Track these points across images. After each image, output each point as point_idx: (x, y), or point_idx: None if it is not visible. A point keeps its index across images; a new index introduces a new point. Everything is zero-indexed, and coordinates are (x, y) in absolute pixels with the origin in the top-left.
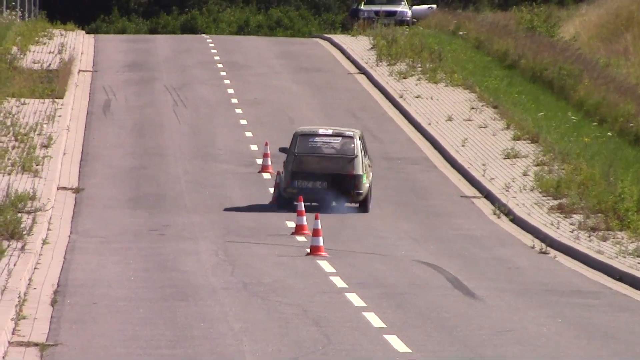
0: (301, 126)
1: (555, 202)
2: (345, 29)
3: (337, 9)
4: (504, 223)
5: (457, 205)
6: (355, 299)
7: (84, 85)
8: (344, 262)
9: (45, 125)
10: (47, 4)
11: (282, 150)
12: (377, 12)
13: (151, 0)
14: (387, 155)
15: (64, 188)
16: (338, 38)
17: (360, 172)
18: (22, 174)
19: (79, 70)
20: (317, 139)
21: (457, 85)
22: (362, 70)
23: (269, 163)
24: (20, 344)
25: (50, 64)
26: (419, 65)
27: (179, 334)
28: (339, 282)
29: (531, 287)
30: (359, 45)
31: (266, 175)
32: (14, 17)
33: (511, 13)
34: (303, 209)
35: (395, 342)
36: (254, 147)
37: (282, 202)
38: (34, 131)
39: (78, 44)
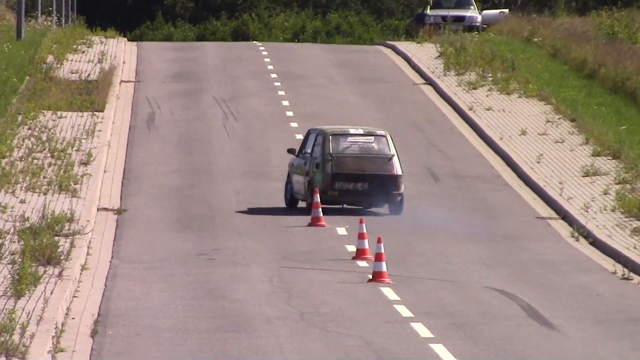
0: (316, 126)
1: (639, 224)
2: (410, 35)
3: (401, 14)
4: (583, 246)
5: (532, 227)
6: (421, 330)
7: (126, 97)
8: (409, 289)
9: (84, 141)
10: (86, 9)
11: (290, 151)
12: (444, 18)
13: (199, 5)
14: (456, 172)
15: (105, 209)
16: (402, 45)
17: (400, 172)
18: (59, 193)
19: (121, 81)
20: (350, 138)
21: (532, 96)
22: (428, 81)
23: None
24: None
25: (89, 74)
26: (490, 74)
27: None
28: (403, 311)
29: (613, 316)
30: (424, 53)
31: None
32: (49, 23)
33: (590, 18)
34: (364, 231)
35: None
36: None
37: (293, 203)
38: (72, 147)
39: (119, 52)
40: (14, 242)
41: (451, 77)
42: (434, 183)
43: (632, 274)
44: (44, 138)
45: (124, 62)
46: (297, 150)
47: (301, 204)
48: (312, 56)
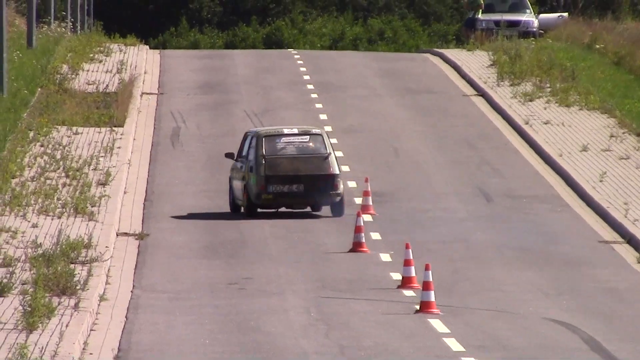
0: (252, 128)
1: None
2: (460, 42)
3: (450, 19)
4: None
5: (595, 252)
6: None
7: (147, 111)
8: (460, 320)
9: (101, 159)
10: (104, 13)
11: (228, 155)
12: (497, 22)
13: (227, 9)
14: (511, 192)
15: (125, 234)
16: (451, 53)
17: (337, 171)
18: (75, 217)
19: (142, 93)
20: (284, 139)
21: (594, 108)
22: (480, 92)
23: (370, 203)
24: None
25: (107, 86)
26: (548, 85)
27: None
28: (454, 344)
29: None
30: (476, 61)
31: (367, 217)
32: (63, 29)
33: None
34: (411, 257)
35: None
36: (351, 184)
37: (253, 212)
38: (89, 166)
39: (140, 61)
40: (26, 270)
41: (505, 87)
42: (486, 204)
43: None
44: (58, 156)
45: (145, 72)
46: (235, 155)
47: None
48: (352, 65)
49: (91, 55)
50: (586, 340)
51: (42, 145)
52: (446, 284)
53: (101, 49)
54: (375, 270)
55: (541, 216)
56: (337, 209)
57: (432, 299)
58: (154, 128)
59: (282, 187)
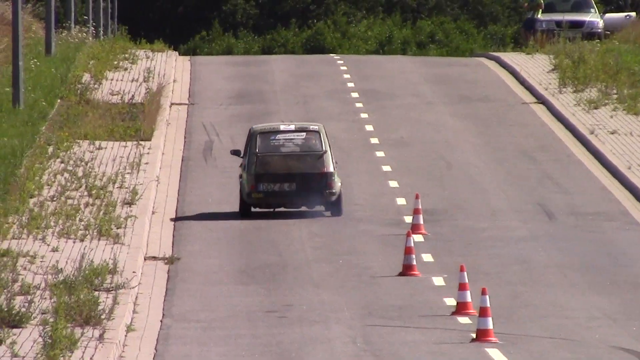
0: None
1: None
2: (518, 45)
3: (507, 20)
4: None
5: None
6: None
7: (177, 123)
8: (520, 349)
9: (127, 176)
10: (129, 17)
11: (234, 152)
12: (559, 23)
13: (264, 11)
14: (575, 209)
15: (154, 258)
16: (508, 57)
17: (332, 169)
18: (99, 239)
19: (171, 104)
20: (279, 136)
21: None
22: (541, 99)
23: (421, 221)
24: None
25: (133, 96)
26: (615, 91)
27: None
28: None
29: None
30: (535, 66)
31: (418, 238)
32: (85, 35)
33: None
34: (466, 281)
35: None
36: (400, 201)
37: (246, 211)
38: (114, 184)
39: (169, 69)
40: (45, 298)
41: (568, 94)
42: (548, 222)
43: None
44: (80, 173)
45: (174, 81)
46: (242, 152)
47: (254, 209)
48: (400, 71)
49: (115, 62)
50: None
51: (62, 162)
52: (505, 309)
53: (126, 55)
54: (427, 295)
55: (608, 234)
56: (334, 209)
57: (490, 326)
58: (185, 142)
59: (273, 185)
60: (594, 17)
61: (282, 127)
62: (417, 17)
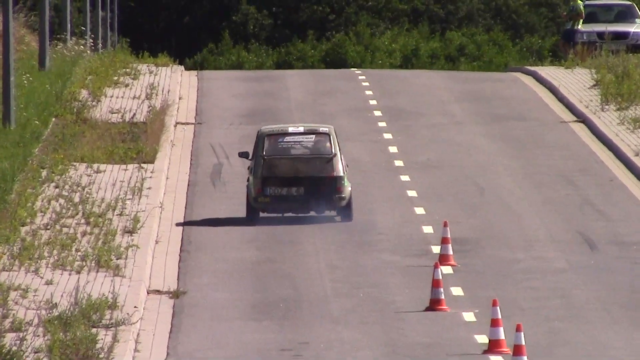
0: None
1: None
2: (557, 58)
3: (544, 31)
4: None
5: None
6: None
7: (183, 144)
8: None
9: (128, 202)
10: (130, 28)
11: (242, 155)
12: (601, 34)
13: (278, 22)
14: (618, 238)
15: (157, 291)
16: (546, 72)
17: (341, 173)
18: (97, 271)
19: (176, 123)
20: (287, 138)
21: None
22: (581, 117)
23: (450, 252)
24: None
25: (134, 115)
26: None
27: None
28: None
29: None
30: (575, 81)
31: (446, 269)
32: (82, 47)
33: None
34: (499, 316)
35: None
36: (427, 230)
37: (254, 216)
38: (113, 210)
39: (174, 85)
40: (39, 336)
41: (611, 112)
42: (589, 252)
43: None
44: (76, 199)
45: (180, 98)
46: (250, 154)
47: (262, 214)
48: (427, 87)
49: (115, 78)
50: None
51: (57, 187)
52: (541, 348)
53: (127, 70)
54: (457, 332)
55: None
56: (345, 214)
57: None
58: (191, 165)
59: (280, 189)
60: (639, 28)
61: (290, 129)
62: (445, 28)
